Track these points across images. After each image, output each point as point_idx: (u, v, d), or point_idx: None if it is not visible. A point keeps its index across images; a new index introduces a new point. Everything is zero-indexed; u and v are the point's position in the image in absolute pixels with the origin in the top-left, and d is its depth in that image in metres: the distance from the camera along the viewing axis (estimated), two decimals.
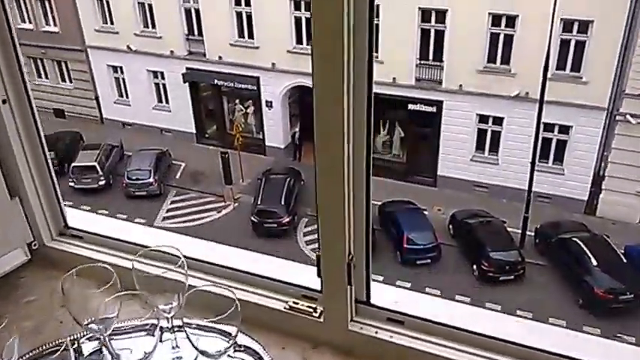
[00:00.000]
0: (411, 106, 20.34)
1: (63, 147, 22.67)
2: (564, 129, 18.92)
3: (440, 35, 19.15)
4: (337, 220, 1.66)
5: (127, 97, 24.59)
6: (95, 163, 21.23)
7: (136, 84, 24.05)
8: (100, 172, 21.22)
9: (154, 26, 22.65)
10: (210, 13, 21.20)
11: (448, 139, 20.44)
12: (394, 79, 20.04)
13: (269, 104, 22.43)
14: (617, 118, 17.97)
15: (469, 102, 19.62)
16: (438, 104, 20.05)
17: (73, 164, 21.34)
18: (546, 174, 19.35)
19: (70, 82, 25.76)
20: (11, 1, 24.66)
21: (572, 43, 17.78)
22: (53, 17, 24.41)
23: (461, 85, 19.43)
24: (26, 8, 24.68)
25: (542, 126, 17.41)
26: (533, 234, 18.10)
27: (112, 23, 23.28)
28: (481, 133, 20.23)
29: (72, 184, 21.23)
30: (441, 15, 18.82)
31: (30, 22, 24.84)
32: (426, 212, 19.05)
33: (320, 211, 1.68)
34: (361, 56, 1.55)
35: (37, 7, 24.45)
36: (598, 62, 17.45)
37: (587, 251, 16.26)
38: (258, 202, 19.04)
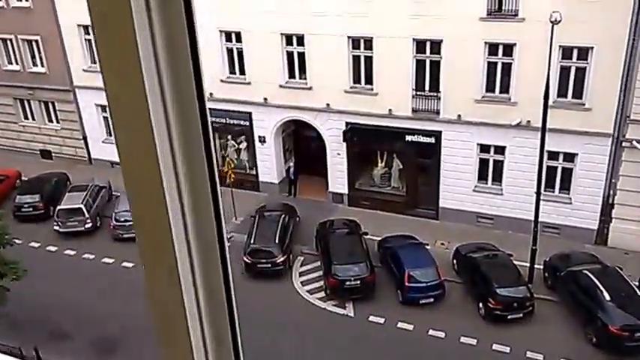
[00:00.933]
0: (408, 138, 19.98)
1: (49, 189, 22.28)
2: (569, 157, 18.49)
3: (435, 66, 18.92)
4: None
5: None
6: (81, 205, 20.75)
7: None
8: (87, 215, 20.72)
9: None
10: (201, 50, 21.00)
11: (449, 169, 20.00)
12: (390, 110, 19.74)
13: (262, 139, 22.08)
14: (624, 144, 17.58)
15: (469, 132, 19.26)
16: (437, 135, 19.68)
17: (59, 207, 20.89)
18: (553, 203, 18.84)
19: (57, 122, 25.50)
20: None
21: (573, 70, 17.52)
22: (41, 58, 24.32)
23: (459, 115, 19.10)
24: (13, 50, 24.59)
25: (546, 154, 16.99)
26: (541, 267, 17.51)
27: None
28: (483, 163, 19.81)
29: (57, 227, 20.72)
30: (436, 45, 18.62)
31: (17, 64, 24.73)
32: (428, 247, 18.48)
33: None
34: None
35: (25, 48, 24.36)
36: (600, 88, 17.15)
37: (600, 285, 15.64)
38: (252, 242, 18.47)
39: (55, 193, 22.08)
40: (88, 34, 22.94)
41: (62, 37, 23.35)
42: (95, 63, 23.31)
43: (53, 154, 26.00)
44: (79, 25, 22.75)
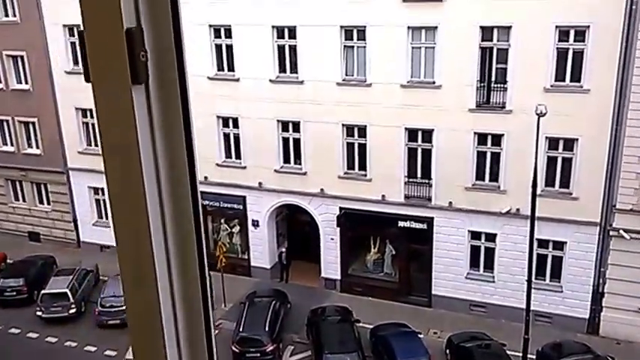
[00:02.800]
0: (401, 223, 20.43)
1: (34, 273, 22.07)
2: (559, 245, 18.96)
3: (427, 153, 19.68)
4: None
5: (107, 218, 24.40)
6: (67, 290, 20.55)
7: None
8: (72, 300, 20.49)
9: None
10: (198, 135, 21.69)
11: (441, 256, 20.33)
12: (383, 196, 20.29)
13: (255, 223, 22.35)
14: (611, 233, 18.12)
15: (460, 218, 19.77)
16: (429, 221, 20.15)
17: (43, 291, 20.63)
18: (544, 292, 19.11)
19: (48, 204, 25.66)
20: None
21: (559, 160, 18.36)
22: (37, 140, 24.85)
23: (451, 202, 19.67)
24: (9, 131, 25.14)
25: (536, 242, 17.41)
26: (534, 357, 17.42)
27: (95, 145, 23.70)
28: (475, 250, 20.19)
29: (40, 313, 20.41)
30: (428, 134, 19.47)
31: (12, 145, 25.19)
32: (421, 335, 18.43)
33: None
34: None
35: (22, 130, 24.92)
36: (586, 178, 17.95)
37: None
38: (240, 329, 18.27)
39: (41, 277, 21.87)
40: (86, 117, 23.70)
41: (59, 120, 24.00)
42: (90, 145, 23.88)
43: (42, 237, 25.96)
44: (77, 109, 23.55)
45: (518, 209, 18.71)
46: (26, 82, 24.22)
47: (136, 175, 1.07)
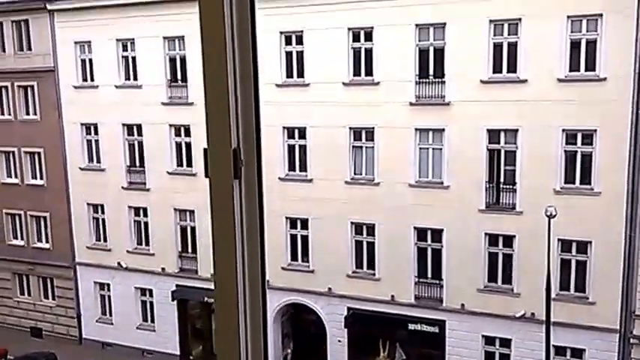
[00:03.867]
0: (411, 326, 19.61)
1: None
2: (577, 352, 17.96)
3: (437, 253, 19.23)
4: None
5: (111, 315, 23.86)
6: None
7: (122, 302, 23.48)
8: None
9: (147, 243, 22.89)
10: (206, 231, 21.53)
11: None
12: (392, 296, 19.61)
13: None
14: (632, 341, 17.14)
15: (473, 322, 18.95)
16: (441, 324, 19.33)
17: None
18: None
19: (53, 299, 25.15)
20: (6, 219, 25.24)
21: (573, 262, 17.78)
22: (47, 234, 24.75)
23: (463, 305, 18.91)
24: (21, 225, 25.13)
25: (552, 350, 16.47)
26: None
27: (105, 240, 23.55)
28: (489, 356, 19.14)
29: None
30: (437, 234, 19.09)
31: (22, 239, 25.11)
32: None
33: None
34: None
35: (33, 224, 24.91)
36: (603, 282, 17.29)
37: None
38: None
39: None
40: (97, 212, 23.67)
41: (71, 214, 23.99)
42: (99, 240, 23.68)
43: (44, 333, 25.22)
44: (88, 204, 23.57)
45: (533, 313, 17.90)
46: (41, 178, 24.49)
47: (231, 232, 1.69)
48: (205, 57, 1.68)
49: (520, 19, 17.44)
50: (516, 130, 17.79)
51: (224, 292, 1.72)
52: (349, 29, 19.34)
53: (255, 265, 1.81)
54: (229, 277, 1.70)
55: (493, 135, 18.22)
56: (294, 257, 21.13)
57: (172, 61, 21.79)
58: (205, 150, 1.62)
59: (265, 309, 1.79)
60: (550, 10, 17.03)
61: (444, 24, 18.29)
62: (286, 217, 20.78)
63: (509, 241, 18.37)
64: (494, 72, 18.03)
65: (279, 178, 20.47)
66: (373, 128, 19.44)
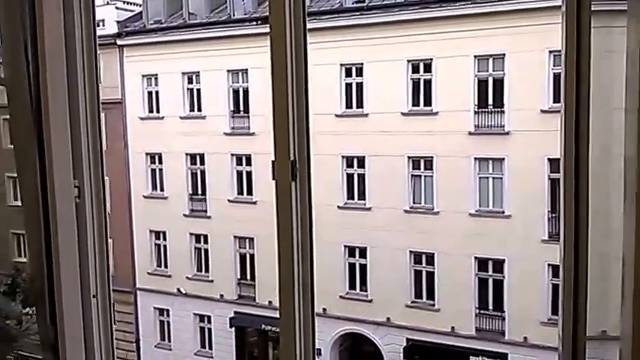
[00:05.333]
0: (472, 359, 18.71)
1: None
2: None
3: (498, 284, 18.56)
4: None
5: (170, 340, 23.79)
6: None
7: (181, 327, 23.36)
8: None
9: (207, 270, 22.87)
10: (264, 258, 21.37)
11: None
12: (453, 328, 18.91)
13: (318, 352, 21.01)
14: None
15: (536, 355, 17.96)
16: (503, 357, 18.45)
17: None
18: None
19: (114, 324, 25.07)
20: None
21: None
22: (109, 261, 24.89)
23: (526, 338, 18.05)
24: None
25: None
26: None
27: (165, 267, 23.62)
28: None
29: None
30: (499, 264, 18.44)
31: None
32: None
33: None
34: None
35: None
36: None
37: None
38: None
39: None
40: (158, 239, 23.82)
41: (133, 241, 24.18)
42: (160, 266, 23.77)
43: None
44: (150, 231, 23.76)
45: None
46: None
47: (288, 220, 2.31)
48: (275, 92, 2.18)
49: None
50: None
51: (287, 315, 2.46)
52: (408, 61, 19.28)
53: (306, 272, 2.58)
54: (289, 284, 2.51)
55: (554, 164, 17.67)
56: (352, 286, 20.70)
57: (235, 92, 22.13)
58: (273, 161, 2.25)
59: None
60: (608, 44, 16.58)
61: (503, 55, 18.06)
62: (345, 246, 20.49)
63: None
64: (554, 102, 17.60)
65: (338, 207, 20.27)
66: (432, 157, 19.12)
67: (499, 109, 18.48)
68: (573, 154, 2.39)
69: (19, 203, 2.78)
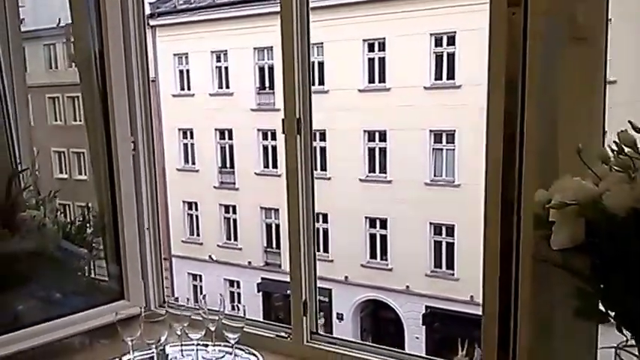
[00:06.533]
0: None
1: None
2: None
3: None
4: (296, 276, 2.92)
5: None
6: None
7: (213, 291, 23.91)
8: None
9: (235, 238, 23.24)
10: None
11: None
12: (472, 297, 18.79)
13: (340, 317, 21.37)
14: None
15: None
16: None
17: None
18: None
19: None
20: None
21: None
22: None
23: None
24: None
25: None
26: None
27: (198, 235, 24.17)
28: None
29: None
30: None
31: None
32: None
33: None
34: None
35: None
36: None
37: None
38: None
39: None
40: (191, 209, 24.34)
41: (168, 211, 24.76)
42: (192, 235, 24.37)
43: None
44: (184, 202, 24.27)
45: None
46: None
47: (295, 164, 2.98)
48: (285, 65, 2.64)
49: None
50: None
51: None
52: (431, 34, 18.95)
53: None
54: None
55: None
56: (373, 255, 20.82)
57: (261, 70, 22.12)
58: (283, 119, 2.77)
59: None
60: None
61: None
62: (366, 217, 20.53)
63: None
64: None
65: (360, 180, 20.29)
66: (454, 131, 18.90)
67: None
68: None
69: (83, 177, 3.42)
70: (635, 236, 1.55)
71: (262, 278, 22.46)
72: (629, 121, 1.65)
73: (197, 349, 2.77)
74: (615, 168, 1.62)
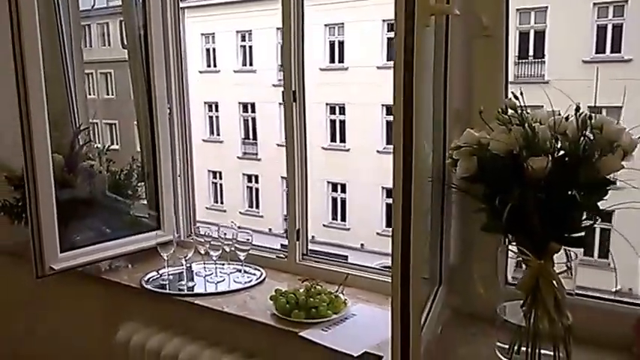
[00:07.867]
0: None
1: None
2: None
3: None
4: (292, 212, 3.48)
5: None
6: None
7: None
8: None
9: (257, 207, 24.15)
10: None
11: None
12: None
13: None
14: None
15: None
16: None
17: None
18: None
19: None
20: None
21: None
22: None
23: None
24: None
25: None
26: None
27: (221, 203, 25.11)
28: None
29: None
30: None
31: None
32: None
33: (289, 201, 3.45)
34: None
35: None
36: None
37: None
38: None
39: None
40: (215, 178, 25.24)
41: (193, 180, 25.61)
42: (217, 202, 25.32)
43: None
44: (209, 171, 25.13)
45: None
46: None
47: (291, 132, 3.43)
48: (284, 44, 3.22)
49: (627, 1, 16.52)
50: (620, 108, 16.83)
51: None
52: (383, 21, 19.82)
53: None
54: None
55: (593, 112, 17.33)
56: (388, 224, 21.50)
57: (282, 48, 22.72)
58: (282, 92, 3.20)
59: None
60: None
61: (546, 7, 17.74)
62: (382, 187, 21.19)
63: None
64: (596, 52, 17.22)
65: (377, 151, 20.95)
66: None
67: (540, 59, 18.32)
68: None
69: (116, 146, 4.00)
70: (510, 169, 2.17)
71: (281, 245, 23.19)
72: (512, 92, 2.28)
73: (216, 266, 3.41)
74: (500, 124, 2.24)
